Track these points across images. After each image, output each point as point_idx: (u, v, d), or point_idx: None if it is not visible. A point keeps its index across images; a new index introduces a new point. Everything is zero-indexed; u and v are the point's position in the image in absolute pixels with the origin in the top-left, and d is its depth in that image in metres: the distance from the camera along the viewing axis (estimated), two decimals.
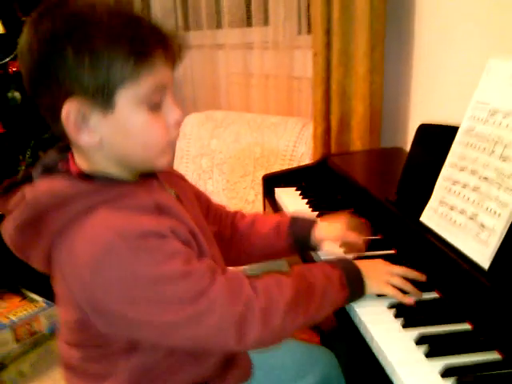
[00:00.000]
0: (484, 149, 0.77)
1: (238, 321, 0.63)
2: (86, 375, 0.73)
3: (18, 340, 1.69)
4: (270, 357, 0.84)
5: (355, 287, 0.75)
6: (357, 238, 0.89)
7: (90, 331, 0.67)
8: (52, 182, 0.63)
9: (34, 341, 1.74)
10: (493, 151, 0.76)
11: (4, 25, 1.84)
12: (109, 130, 0.63)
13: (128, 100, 0.62)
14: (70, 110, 0.61)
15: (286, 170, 1.37)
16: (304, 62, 1.89)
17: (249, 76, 2.20)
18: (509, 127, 0.73)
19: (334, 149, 1.62)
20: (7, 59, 1.83)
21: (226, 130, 1.98)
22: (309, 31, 1.82)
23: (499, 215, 0.71)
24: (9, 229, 0.65)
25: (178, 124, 0.68)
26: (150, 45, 0.62)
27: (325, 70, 1.56)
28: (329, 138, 1.64)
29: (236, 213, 0.97)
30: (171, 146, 0.69)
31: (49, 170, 0.67)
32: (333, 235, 0.90)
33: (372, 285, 0.77)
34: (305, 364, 0.94)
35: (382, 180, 1.17)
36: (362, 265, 0.79)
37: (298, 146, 1.78)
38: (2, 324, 1.68)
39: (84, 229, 0.61)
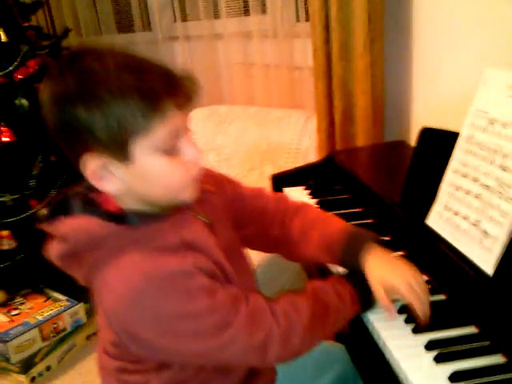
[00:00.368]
0: (484, 157, 0.81)
1: (260, 347, 0.69)
2: (122, 382, 0.79)
3: (44, 338, 1.77)
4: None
5: (366, 302, 0.80)
6: (420, 307, 0.75)
7: (125, 349, 0.72)
8: (88, 221, 0.68)
9: (59, 338, 1.82)
10: (493, 160, 0.79)
11: (6, 32, 1.85)
12: (130, 177, 0.67)
13: (143, 149, 0.65)
14: (90, 163, 0.65)
15: (294, 169, 1.40)
16: (304, 51, 1.90)
17: (250, 66, 2.22)
18: (507, 137, 0.77)
19: (338, 142, 1.65)
20: (11, 67, 1.85)
21: (231, 125, 2.00)
22: (307, 19, 1.82)
23: (501, 224, 0.75)
24: (52, 254, 0.71)
25: (197, 161, 0.70)
26: (160, 95, 0.63)
27: (325, 64, 1.58)
28: (333, 132, 1.67)
29: (286, 210, 0.93)
30: (193, 181, 0.71)
31: (86, 202, 0.72)
32: (385, 281, 0.77)
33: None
34: (323, 362, 0.99)
35: (387, 179, 1.21)
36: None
37: (303, 140, 1.81)
38: (29, 324, 1.75)
39: (116, 269, 0.66)
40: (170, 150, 0.66)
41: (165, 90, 0.64)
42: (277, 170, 1.85)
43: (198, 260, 0.69)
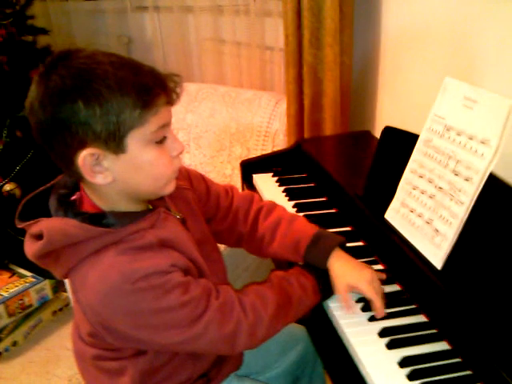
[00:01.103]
0: (440, 161, 0.87)
1: (229, 336, 0.76)
2: (99, 369, 0.83)
3: (10, 314, 1.78)
4: None
5: (326, 292, 0.87)
6: (379, 303, 0.83)
7: (101, 339, 0.77)
8: (66, 222, 0.70)
9: (25, 314, 1.84)
10: (447, 164, 0.86)
11: None
12: (121, 169, 0.70)
13: (137, 141, 0.69)
14: (85, 156, 0.67)
15: (262, 156, 1.45)
16: (275, 32, 1.92)
17: (220, 43, 2.21)
18: (461, 145, 0.83)
19: (306, 127, 1.70)
20: None
21: (201, 104, 2.01)
22: None
23: (450, 224, 0.82)
24: (28, 252, 0.73)
25: (180, 154, 0.75)
26: (153, 91, 0.68)
27: (296, 51, 1.60)
28: (302, 117, 1.71)
29: (261, 209, 0.97)
30: (175, 175, 0.76)
31: (62, 202, 0.74)
32: (350, 285, 0.85)
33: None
34: (286, 343, 1.07)
35: (352, 170, 1.27)
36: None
37: (273, 123, 1.84)
38: None
39: (94, 268, 0.70)
40: (159, 142, 0.71)
41: (158, 87, 0.69)
42: (246, 152, 1.90)
43: (174, 257, 0.73)
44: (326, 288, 0.86)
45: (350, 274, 0.85)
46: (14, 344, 1.79)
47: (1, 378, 1.68)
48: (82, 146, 0.67)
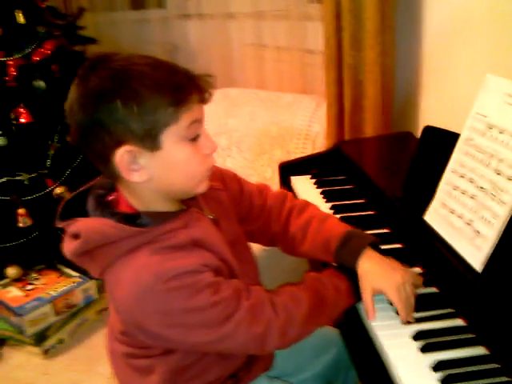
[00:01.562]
0: (481, 160, 0.84)
1: (259, 337, 0.75)
2: (130, 367, 0.85)
3: (57, 313, 1.85)
4: None
5: (360, 295, 0.84)
6: (404, 311, 0.80)
7: (132, 337, 0.79)
8: (103, 222, 0.72)
9: (72, 313, 1.90)
10: (489, 163, 0.82)
11: (24, 14, 1.88)
12: (157, 167, 0.72)
13: (171, 137, 0.70)
14: (123, 154, 0.69)
15: (301, 158, 1.44)
16: (316, 35, 1.91)
17: (262, 48, 2.23)
18: (504, 143, 0.80)
19: (347, 130, 1.68)
20: (29, 49, 1.88)
21: (242, 108, 2.03)
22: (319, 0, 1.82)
23: (492, 224, 0.79)
24: (66, 250, 0.76)
25: (213, 153, 0.77)
26: (187, 89, 0.71)
27: (336, 53, 1.59)
28: (342, 119, 1.69)
29: (294, 208, 0.96)
30: (209, 173, 0.78)
31: (100, 202, 0.77)
32: (376, 289, 0.82)
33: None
34: (320, 346, 1.06)
35: (391, 171, 1.24)
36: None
37: (313, 125, 1.84)
38: (43, 299, 1.83)
39: (128, 268, 0.72)
40: (193, 139, 0.73)
41: (191, 86, 0.71)
42: (286, 155, 1.90)
43: (205, 257, 0.74)
44: (359, 290, 0.84)
45: (377, 276, 0.82)
46: (60, 342, 1.86)
47: (47, 374, 1.74)
48: (119, 144, 0.69)
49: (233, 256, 0.80)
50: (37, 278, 1.96)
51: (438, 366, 0.72)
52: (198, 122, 0.73)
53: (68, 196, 0.81)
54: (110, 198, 0.79)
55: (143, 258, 0.71)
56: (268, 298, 0.78)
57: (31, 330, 1.78)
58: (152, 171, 0.72)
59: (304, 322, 0.78)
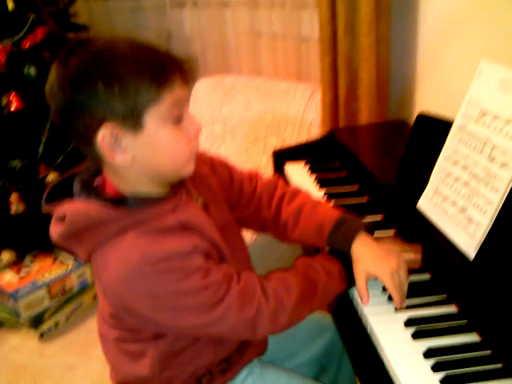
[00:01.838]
0: (475, 147, 0.84)
1: (250, 321, 0.75)
2: (121, 351, 0.85)
3: (52, 297, 1.86)
4: None
5: (353, 280, 0.84)
6: (398, 296, 0.80)
7: (122, 321, 0.79)
8: (88, 205, 0.72)
9: (67, 297, 1.91)
10: (482, 150, 0.82)
11: (14, 0, 1.85)
12: (140, 148, 0.71)
13: (154, 118, 0.70)
14: (104, 135, 0.68)
15: (295, 145, 1.43)
16: (311, 23, 1.90)
17: (257, 36, 2.21)
18: (497, 130, 0.79)
19: (342, 117, 1.67)
20: (19, 36, 1.85)
21: (236, 96, 2.02)
22: None
23: (485, 212, 0.79)
24: (53, 234, 0.75)
25: (198, 135, 0.76)
26: (169, 70, 0.70)
27: (331, 40, 1.58)
28: (337, 107, 1.68)
29: (285, 194, 0.96)
30: (194, 155, 0.77)
31: (86, 186, 0.76)
32: (370, 273, 0.82)
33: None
34: (313, 331, 1.06)
35: (385, 158, 1.23)
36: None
37: (308, 113, 1.83)
38: (38, 283, 1.84)
39: (116, 250, 0.71)
40: (176, 120, 0.72)
41: (173, 66, 0.71)
42: (281, 143, 1.89)
43: (195, 240, 0.74)
44: (351, 274, 0.84)
45: (371, 261, 0.82)
46: (56, 325, 1.88)
47: (43, 357, 1.76)
48: (101, 125, 0.68)
49: (224, 242, 0.80)
50: (32, 263, 1.97)
51: (429, 353, 0.72)
52: (181, 102, 0.72)
53: (54, 181, 0.80)
54: (96, 182, 0.79)
55: (130, 241, 0.70)
56: (258, 282, 0.78)
57: (26, 314, 1.80)
58: (135, 153, 0.71)
59: (295, 307, 0.78)
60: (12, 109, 1.79)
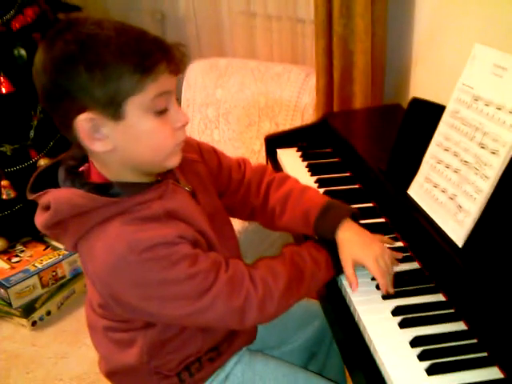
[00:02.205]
0: (466, 133, 0.82)
1: (238, 310, 0.74)
2: (110, 340, 0.85)
3: (44, 285, 1.85)
4: None
5: (341, 267, 0.83)
6: (383, 282, 0.80)
7: (111, 310, 0.78)
8: (73, 192, 0.70)
9: (59, 285, 1.90)
10: (473, 137, 0.80)
11: None
12: (120, 137, 0.69)
13: (136, 108, 0.67)
14: (84, 122, 0.66)
15: (287, 130, 1.41)
16: (307, 3, 1.86)
17: (252, 17, 2.17)
18: (489, 116, 0.78)
19: (336, 101, 1.65)
20: (8, 16, 1.81)
21: (230, 79, 1.99)
22: None
23: (474, 199, 0.78)
24: (38, 222, 0.74)
25: (184, 127, 0.74)
26: (154, 58, 0.67)
27: (326, 22, 1.54)
28: (331, 91, 1.65)
29: (272, 181, 0.95)
30: (179, 147, 0.75)
31: (71, 173, 0.74)
32: (355, 260, 0.82)
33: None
34: (303, 318, 1.06)
35: (378, 144, 1.21)
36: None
37: (302, 97, 1.80)
38: (29, 271, 1.83)
39: (101, 238, 0.70)
40: (160, 112, 0.69)
41: (159, 54, 0.67)
42: (274, 127, 1.87)
43: (181, 229, 0.72)
44: (338, 262, 0.83)
45: (356, 248, 0.82)
46: (48, 313, 1.87)
47: (35, 346, 1.76)
48: (81, 111, 0.66)
49: (212, 229, 0.79)
50: (23, 251, 1.95)
51: (415, 342, 0.72)
52: (167, 93, 0.69)
53: (40, 168, 0.78)
54: (82, 168, 0.77)
55: (115, 229, 0.69)
56: (246, 271, 0.77)
57: (18, 302, 1.78)
58: (115, 141, 0.69)
59: (282, 295, 0.77)
60: (1, 92, 1.75)
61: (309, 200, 0.89)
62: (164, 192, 0.75)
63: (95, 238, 0.70)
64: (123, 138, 0.69)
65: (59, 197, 0.70)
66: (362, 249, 0.81)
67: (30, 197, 0.74)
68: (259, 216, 0.96)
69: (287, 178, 0.97)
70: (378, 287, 0.82)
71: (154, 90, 0.67)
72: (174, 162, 0.75)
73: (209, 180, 0.89)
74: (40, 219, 0.72)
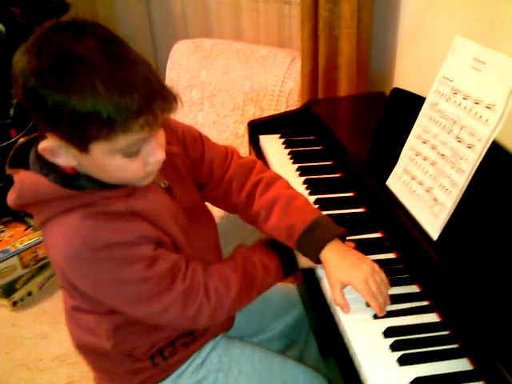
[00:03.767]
0: (444, 126, 0.83)
1: (190, 319, 0.76)
2: (75, 321, 0.85)
3: (24, 266, 1.83)
4: (250, 304, 0.86)
5: (290, 271, 0.85)
6: (375, 303, 0.76)
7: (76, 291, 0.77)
8: (37, 180, 0.68)
9: (40, 266, 1.88)
10: (451, 130, 0.81)
11: None
12: (85, 163, 0.67)
13: (102, 150, 0.64)
14: (48, 141, 0.64)
15: (271, 116, 1.41)
16: None
17: None
18: (466, 109, 0.78)
19: (321, 87, 1.64)
20: None
21: (215, 61, 1.96)
22: None
23: (450, 193, 0.79)
24: (8, 200, 0.72)
25: (157, 164, 0.70)
26: (130, 114, 0.60)
27: (312, 6, 1.53)
28: (316, 77, 1.64)
29: (259, 182, 0.90)
30: (150, 174, 0.72)
31: (41, 157, 0.70)
32: (343, 282, 0.78)
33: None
34: (282, 306, 1.07)
35: (360, 133, 1.21)
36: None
37: (287, 82, 1.78)
38: (9, 251, 1.81)
39: (60, 229, 0.69)
40: (130, 154, 0.66)
41: (137, 109, 0.60)
42: (259, 112, 1.86)
43: (143, 229, 0.71)
44: (288, 268, 0.85)
45: (343, 270, 0.78)
46: (29, 294, 1.86)
47: (16, 326, 1.75)
48: (48, 130, 0.64)
49: (189, 222, 0.79)
50: (2, 231, 1.93)
51: (388, 332, 0.73)
52: (141, 141, 0.65)
53: (19, 143, 0.75)
54: None
55: (75, 222, 0.68)
56: (203, 282, 0.77)
57: None
58: (80, 162, 0.67)
59: (233, 303, 0.79)
60: None
61: (295, 212, 0.84)
62: (134, 190, 0.72)
63: (56, 226, 0.70)
64: (88, 164, 0.67)
65: (24, 182, 0.69)
66: (348, 270, 0.77)
67: (8, 171, 0.73)
68: (242, 215, 0.93)
69: (276, 179, 0.91)
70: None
71: (125, 141, 0.63)
72: (143, 183, 0.72)
73: (188, 173, 0.87)
74: (9, 198, 0.72)
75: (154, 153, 0.68)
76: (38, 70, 0.59)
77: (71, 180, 0.69)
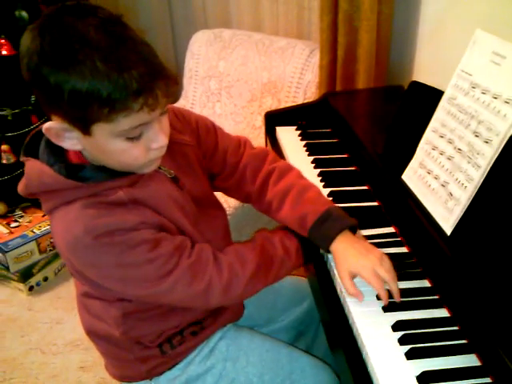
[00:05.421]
0: (462, 121, 0.81)
1: (200, 294, 0.76)
2: (86, 308, 0.86)
3: (41, 251, 1.87)
4: (261, 294, 0.87)
5: (309, 256, 0.85)
6: (383, 293, 0.76)
7: (84, 278, 0.78)
8: (43, 170, 0.69)
9: (56, 252, 1.91)
10: (468, 125, 0.80)
11: None
12: (88, 146, 0.68)
13: (104, 132, 0.64)
14: (51, 126, 0.65)
15: (288, 108, 1.40)
16: None
17: None
18: (485, 104, 0.77)
19: (339, 80, 1.63)
20: None
21: (234, 51, 1.96)
22: None
23: (465, 188, 0.78)
24: (18, 188, 0.75)
25: (161, 149, 0.70)
26: (130, 95, 0.61)
27: None
28: (335, 69, 1.63)
29: (272, 172, 0.90)
30: (152, 162, 0.72)
31: (50, 146, 0.72)
32: (352, 272, 0.78)
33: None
34: (293, 298, 1.07)
35: (377, 126, 1.20)
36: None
37: (305, 74, 1.78)
38: (27, 237, 1.85)
39: (63, 217, 0.70)
40: (133, 138, 0.66)
41: (137, 88, 0.61)
42: (276, 103, 1.86)
43: (145, 215, 0.72)
44: (309, 251, 0.84)
45: (351, 259, 0.78)
46: (45, 279, 1.90)
47: (32, 310, 1.79)
48: (52, 112, 0.65)
49: (198, 212, 0.79)
50: (22, 216, 1.97)
51: (397, 326, 0.73)
52: (143, 124, 0.65)
53: (35, 130, 0.76)
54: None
55: (76, 211, 0.69)
56: (212, 256, 0.77)
57: (16, 267, 1.81)
58: (85, 146, 0.68)
59: (250, 281, 0.78)
60: (2, 54, 1.73)
61: (308, 203, 0.84)
62: (138, 179, 0.73)
63: (59, 216, 0.71)
64: (91, 148, 0.68)
65: (32, 171, 0.71)
66: (358, 259, 0.78)
67: (22, 159, 0.74)
68: (255, 203, 0.94)
69: (289, 169, 0.92)
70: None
71: (126, 123, 0.63)
72: (147, 170, 0.73)
73: (198, 163, 0.87)
74: (19, 186, 0.74)
75: (157, 138, 0.68)
76: (41, 49, 0.60)
77: (76, 171, 0.70)
